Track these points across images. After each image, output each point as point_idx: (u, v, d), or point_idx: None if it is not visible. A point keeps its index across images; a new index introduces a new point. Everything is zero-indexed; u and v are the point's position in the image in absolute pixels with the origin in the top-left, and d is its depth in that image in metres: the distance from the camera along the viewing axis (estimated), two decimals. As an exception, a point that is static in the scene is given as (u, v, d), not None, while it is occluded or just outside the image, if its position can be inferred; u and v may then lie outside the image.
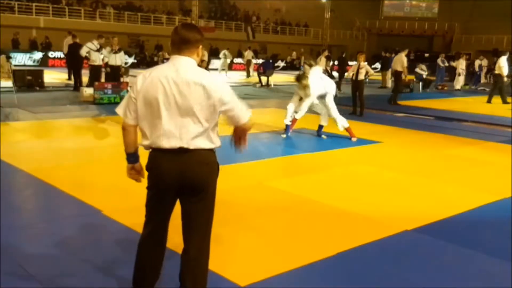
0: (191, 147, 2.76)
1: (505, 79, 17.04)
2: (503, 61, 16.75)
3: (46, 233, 4.12)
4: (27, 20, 28.10)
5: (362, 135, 9.24)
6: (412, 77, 22.53)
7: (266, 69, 20.60)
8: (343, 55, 21.68)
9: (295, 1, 41.59)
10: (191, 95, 2.72)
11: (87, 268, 3.51)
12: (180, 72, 2.74)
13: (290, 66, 33.67)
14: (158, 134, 2.75)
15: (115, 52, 13.64)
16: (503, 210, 5.22)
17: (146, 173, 2.92)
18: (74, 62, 15.73)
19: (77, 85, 14.97)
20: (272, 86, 20.23)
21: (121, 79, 13.79)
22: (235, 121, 2.92)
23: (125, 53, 15.47)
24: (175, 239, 3.20)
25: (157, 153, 2.80)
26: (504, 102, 16.23)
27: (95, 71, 14.04)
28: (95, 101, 12.19)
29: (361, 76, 12.12)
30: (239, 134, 3.01)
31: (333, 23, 38.60)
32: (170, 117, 2.73)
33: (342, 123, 8.76)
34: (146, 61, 31.63)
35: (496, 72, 16.92)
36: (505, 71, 16.77)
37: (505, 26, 35.39)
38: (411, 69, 24.86)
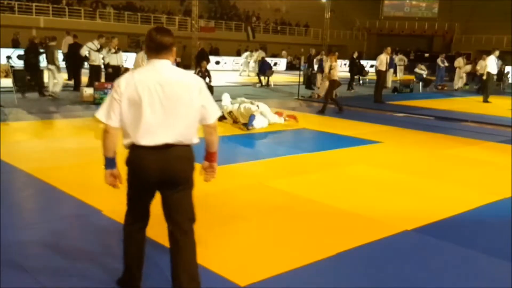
0: (174, 143, 2.91)
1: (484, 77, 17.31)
2: (491, 60, 16.97)
3: (46, 232, 4.12)
4: (27, 20, 28.09)
5: (362, 135, 9.25)
6: (412, 77, 22.55)
7: (266, 69, 20.60)
8: (354, 56, 21.67)
9: (295, 1, 41.58)
10: (174, 94, 2.89)
11: (87, 268, 3.51)
12: (162, 74, 2.91)
13: (290, 66, 33.66)
14: (142, 132, 2.87)
15: (115, 52, 13.64)
16: (503, 210, 5.22)
17: (125, 168, 3.00)
18: (74, 62, 15.73)
19: (78, 85, 14.96)
20: (272, 86, 20.23)
21: None
22: (205, 118, 3.03)
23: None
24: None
25: (140, 149, 2.90)
26: (485, 101, 16.62)
27: (95, 71, 14.03)
28: (95, 101, 12.18)
29: (335, 76, 12.45)
30: (207, 137, 3.12)
31: (333, 23, 38.59)
32: (154, 116, 2.87)
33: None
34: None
35: (485, 70, 17.14)
36: (493, 70, 16.95)
37: (505, 26, 35.37)
38: (411, 69, 24.95)
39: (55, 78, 13.57)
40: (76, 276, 3.40)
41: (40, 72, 13.75)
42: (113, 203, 4.12)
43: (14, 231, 4.09)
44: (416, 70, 21.80)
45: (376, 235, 4.28)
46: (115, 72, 13.77)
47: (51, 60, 13.44)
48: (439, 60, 23.27)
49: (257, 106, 9.69)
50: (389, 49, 15.94)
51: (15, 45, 25.79)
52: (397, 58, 24.38)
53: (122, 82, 2.91)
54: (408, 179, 6.37)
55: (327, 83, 13.07)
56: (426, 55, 36.00)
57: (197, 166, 3.07)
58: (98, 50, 13.69)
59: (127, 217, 3.13)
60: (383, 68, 15.40)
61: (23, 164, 6.12)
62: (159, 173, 2.90)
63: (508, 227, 4.67)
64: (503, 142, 9.23)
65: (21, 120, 9.58)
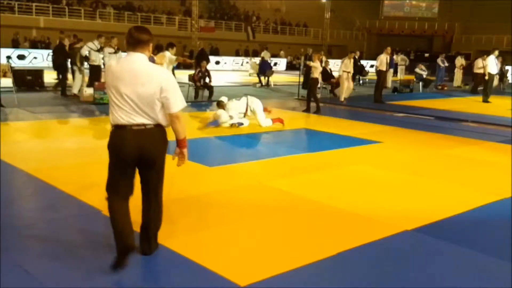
0: (147, 125, 3.42)
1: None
2: (491, 60, 17.01)
3: (46, 233, 4.12)
4: (27, 20, 28.10)
5: (362, 135, 9.25)
6: (412, 77, 22.55)
7: (266, 69, 20.60)
8: (356, 56, 21.67)
9: (295, 1, 41.58)
10: (146, 82, 3.37)
11: (87, 268, 3.51)
12: (137, 64, 3.42)
13: (290, 66, 33.67)
14: (120, 113, 3.39)
15: (115, 52, 13.64)
16: (503, 210, 5.22)
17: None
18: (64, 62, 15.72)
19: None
20: (272, 86, 20.23)
21: None
22: (168, 108, 3.45)
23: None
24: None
25: (118, 130, 3.43)
26: (485, 101, 16.69)
27: (95, 71, 14.03)
28: (95, 101, 12.19)
29: (315, 75, 12.57)
30: (172, 125, 3.53)
31: (333, 23, 38.63)
32: (130, 99, 3.37)
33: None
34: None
35: (486, 71, 17.16)
36: (493, 70, 16.97)
37: (505, 26, 35.39)
38: (411, 69, 24.94)
39: (75, 79, 13.81)
40: (76, 276, 3.40)
41: (66, 72, 14.14)
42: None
43: (14, 231, 4.08)
44: (417, 70, 21.78)
45: (376, 235, 4.28)
46: None
47: (76, 61, 13.83)
48: (439, 60, 23.29)
49: (247, 101, 9.61)
50: (389, 49, 15.96)
51: (15, 45, 25.84)
52: (398, 58, 24.33)
53: (107, 70, 3.51)
54: (408, 179, 6.37)
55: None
56: (426, 55, 36.00)
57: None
58: (99, 50, 13.68)
59: (109, 192, 3.55)
60: (383, 68, 15.41)
61: (23, 164, 6.12)
62: (136, 150, 3.41)
63: (508, 227, 4.67)
64: (503, 142, 9.23)
65: (21, 120, 9.58)
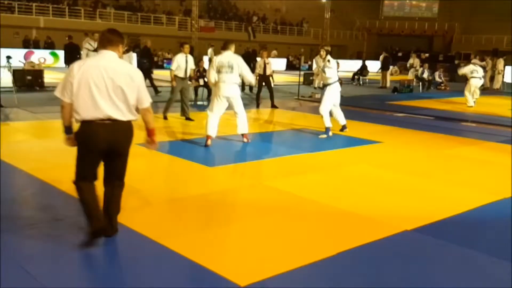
0: (120, 118, 3.69)
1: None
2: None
3: (46, 233, 4.12)
4: (27, 20, 28.10)
5: (362, 135, 9.25)
6: (409, 77, 22.52)
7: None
8: (386, 55, 21.63)
9: (295, 1, 41.57)
10: (117, 78, 3.65)
11: (87, 268, 3.51)
12: (108, 62, 3.70)
13: (290, 66, 33.65)
14: (91, 108, 3.62)
15: (123, 53, 13.63)
16: (503, 210, 5.22)
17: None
18: (70, 63, 15.76)
19: None
20: (272, 86, 20.19)
21: None
22: (141, 103, 3.81)
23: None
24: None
25: (89, 123, 3.66)
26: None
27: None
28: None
29: (268, 71, 12.99)
30: (143, 117, 3.89)
31: (333, 23, 38.58)
32: (101, 95, 3.62)
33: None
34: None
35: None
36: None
37: (505, 26, 35.36)
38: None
39: None
40: (76, 276, 3.40)
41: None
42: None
43: (14, 231, 4.08)
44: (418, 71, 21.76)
45: (375, 235, 4.28)
46: None
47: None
48: (420, 70, 22.51)
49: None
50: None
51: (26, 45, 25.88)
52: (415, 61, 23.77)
53: (75, 66, 3.69)
54: (408, 179, 6.37)
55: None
56: (426, 55, 35.98)
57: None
58: (96, 50, 13.66)
59: (77, 180, 3.83)
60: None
61: (23, 164, 6.12)
62: (107, 143, 3.68)
63: (508, 227, 4.67)
64: (503, 142, 9.23)
65: (21, 120, 9.58)
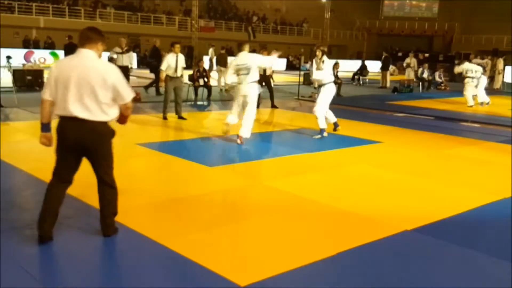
0: (90, 118, 3.68)
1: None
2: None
3: (46, 233, 4.11)
4: (27, 20, 28.10)
5: (362, 135, 9.25)
6: (406, 77, 22.50)
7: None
8: (386, 55, 21.55)
9: (295, 1, 41.57)
10: (89, 78, 3.64)
11: (87, 268, 3.51)
12: (85, 61, 3.72)
13: (290, 66, 33.64)
14: (65, 106, 3.67)
15: (122, 53, 13.63)
16: (503, 210, 5.22)
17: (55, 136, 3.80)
18: None
19: None
20: (272, 86, 20.19)
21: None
22: (122, 99, 3.78)
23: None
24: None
25: (63, 120, 3.74)
26: None
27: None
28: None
29: (269, 72, 13.00)
30: (123, 113, 3.87)
31: (333, 23, 38.60)
32: (75, 93, 3.64)
33: None
34: (146, 61, 31.57)
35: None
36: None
37: (505, 26, 35.35)
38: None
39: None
40: (76, 276, 3.40)
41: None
42: (113, 203, 4.13)
43: (14, 231, 4.08)
44: (419, 70, 21.75)
45: (375, 235, 4.28)
46: (123, 73, 13.73)
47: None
48: (420, 70, 22.45)
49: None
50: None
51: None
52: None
53: (54, 66, 3.83)
54: (408, 179, 6.37)
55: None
56: (426, 55, 35.98)
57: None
58: None
59: (53, 177, 3.89)
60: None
61: (23, 164, 6.12)
62: (77, 141, 3.72)
63: (508, 227, 4.67)
64: (503, 142, 9.23)
65: (21, 120, 9.58)
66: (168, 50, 10.58)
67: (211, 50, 22.97)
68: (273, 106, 13.02)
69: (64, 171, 3.87)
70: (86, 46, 3.76)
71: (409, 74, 22.48)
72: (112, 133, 3.88)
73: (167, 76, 10.13)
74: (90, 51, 3.77)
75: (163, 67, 10.13)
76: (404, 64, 24.11)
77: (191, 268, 3.56)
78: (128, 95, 3.83)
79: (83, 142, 3.73)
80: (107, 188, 3.96)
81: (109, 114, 3.77)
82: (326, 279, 3.53)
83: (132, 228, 4.17)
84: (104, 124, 3.79)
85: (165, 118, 10.27)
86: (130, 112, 3.93)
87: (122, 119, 3.97)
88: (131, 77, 15.43)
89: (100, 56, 3.85)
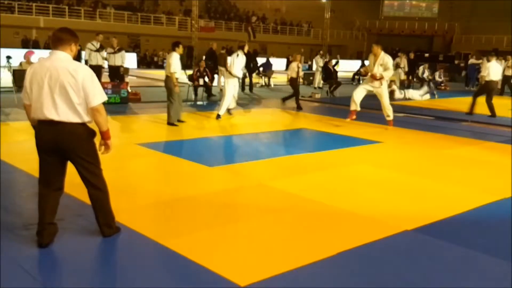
0: (63, 120, 3.62)
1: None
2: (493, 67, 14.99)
3: (46, 233, 4.11)
4: (27, 20, 28.11)
5: (362, 135, 9.25)
6: (394, 78, 22.46)
7: (266, 69, 20.60)
8: (411, 57, 21.53)
9: (295, 1, 41.57)
10: (60, 79, 3.58)
11: (87, 268, 3.51)
12: (56, 62, 3.64)
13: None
14: (39, 109, 3.63)
15: (114, 52, 13.63)
16: (503, 210, 5.22)
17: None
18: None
19: None
20: (272, 86, 20.23)
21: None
22: (88, 102, 3.66)
23: None
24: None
25: (40, 124, 3.70)
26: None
27: (94, 71, 14.01)
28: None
29: (297, 74, 13.42)
30: (93, 119, 3.74)
31: (333, 23, 38.61)
32: (47, 96, 3.60)
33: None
34: (146, 61, 31.62)
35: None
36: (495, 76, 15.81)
37: (505, 26, 35.39)
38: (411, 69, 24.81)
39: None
40: (76, 276, 3.40)
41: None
42: (113, 203, 4.12)
43: (14, 231, 4.08)
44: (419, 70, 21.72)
45: (376, 235, 4.28)
46: (115, 72, 13.76)
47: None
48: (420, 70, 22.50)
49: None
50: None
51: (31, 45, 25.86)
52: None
53: (29, 69, 3.75)
54: (408, 179, 6.37)
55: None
56: (426, 55, 35.99)
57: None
58: (98, 50, 13.69)
59: (39, 183, 3.92)
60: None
61: (23, 164, 6.11)
62: (53, 144, 3.67)
63: (508, 227, 4.67)
64: (503, 142, 9.23)
65: (21, 120, 9.58)
66: (169, 51, 10.46)
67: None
68: (299, 107, 13.05)
69: (50, 176, 3.82)
70: (59, 47, 3.70)
71: (400, 75, 22.45)
72: (91, 133, 3.79)
73: (176, 79, 9.51)
74: (62, 52, 3.70)
75: (177, 69, 9.40)
76: (395, 64, 24.00)
77: (191, 268, 3.56)
78: (94, 97, 3.66)
79: (60, 144, 3.68)
80: (94, 191, 3.90)
81: (84, 115, 3.70)
82: (326, 279, 3.53)
83: (132, 228, 4.17)
84: (81, 125, 3.72)
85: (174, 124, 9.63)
86: (101, 120, 3.75)
87: (101, 134, 3.83)
88: (130, 77, 15.42)
89: (74, 56, 3.78)
